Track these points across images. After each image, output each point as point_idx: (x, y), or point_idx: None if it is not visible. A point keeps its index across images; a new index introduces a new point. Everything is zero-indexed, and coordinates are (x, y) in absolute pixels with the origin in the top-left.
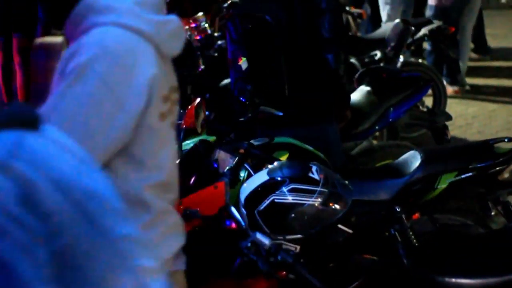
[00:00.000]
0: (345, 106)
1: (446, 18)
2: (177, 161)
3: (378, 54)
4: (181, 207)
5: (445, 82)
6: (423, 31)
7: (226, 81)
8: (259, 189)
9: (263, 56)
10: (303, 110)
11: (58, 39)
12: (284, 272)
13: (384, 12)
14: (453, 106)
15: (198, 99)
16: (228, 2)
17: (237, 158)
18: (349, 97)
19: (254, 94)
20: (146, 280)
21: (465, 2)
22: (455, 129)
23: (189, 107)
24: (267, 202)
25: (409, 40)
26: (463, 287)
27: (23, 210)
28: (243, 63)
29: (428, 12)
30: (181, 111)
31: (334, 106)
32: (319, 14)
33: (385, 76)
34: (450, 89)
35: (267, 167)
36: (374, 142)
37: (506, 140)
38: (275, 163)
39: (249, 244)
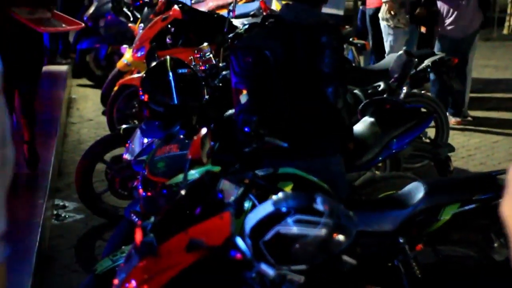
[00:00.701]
0: (346, 139)
1: (456, 49)
2: None
3: (382, 85)
4: (187, 237)
5: (448, 113)
6: (426, 62)
7: (231, 111)
8: (264, 219)
9: (264, 89)
10: (306, 142)
11: (63, 68)
12: None
13: (387, 44)
14: (456, 137)
15: (204, 130)
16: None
17: (242, 188)
18: (351, 130)
19: (259, 125)
20: None
21: (476, 33)
22: (457, 160)
23: (195, 137)
24: (272, 232)
25: (413, 71)
26: None
27: None
28: (243, 96)
29: (437, 43)
30: (186, 141)
31: (336, 138)
32: (319, 49)
33: (388, 108)
34: (452, 120)
35: (272, 198)
36: (377, 173)
37: None
38: (280, 194)
39: (254, 275)
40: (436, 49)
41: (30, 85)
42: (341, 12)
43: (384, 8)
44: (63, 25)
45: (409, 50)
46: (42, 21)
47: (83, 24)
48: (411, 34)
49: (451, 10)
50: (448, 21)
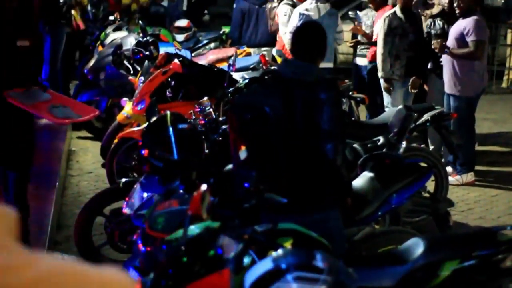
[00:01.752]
0: (344, 195)
1: (468, 107)
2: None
3: (381, 139)
4: None
5: (447, 168)
6: (426, 116)
7: (230, 166)
8: (263, 276)
9: (262, 146)
10: (305, 197)
11: (65, 120)
12: None
13: (386, 98)
14: (455, 191)
15: (204, 186)
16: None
17: (241, 244)
18: (350, 185)
19: (258, 181)
20: None
21: (483, 91)
22: (457, 214)
23: (195, 193)
24: None
25: (412, 125)
26: None
27: None
28: (242, 152)
29: (453, 103)
30: (186, 196)
31: (335, 194)
32: (318, 105)
33: (388, 163)
34: (452, 175)
35: (271, 254)
36: (377, 227)
37: (508, 228)
38: (280, 250)
39: None
40: (446, 107)
41: (20, 173)
42: (330, 65)
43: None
44: (79, 115)
45: (407, 104)
46: (47, 108)
47: (98, 112)
48: (407, 87)
49: (462, 70)
50: (459, 81)
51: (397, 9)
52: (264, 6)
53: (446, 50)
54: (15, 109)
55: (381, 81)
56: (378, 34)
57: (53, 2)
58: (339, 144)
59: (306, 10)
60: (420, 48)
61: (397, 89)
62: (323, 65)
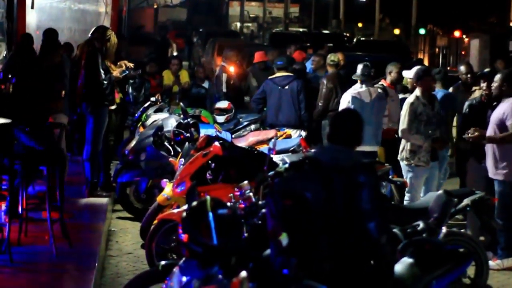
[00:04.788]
0: (387, 276)
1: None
2: None
3: (421, 224)
4: None
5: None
6: (466, 201)
7: (269, 251)
8: None
9: (303, 232)
10: (346, 284)
11: (104, 200)
12: None
13: (408, 181)
14: (495, 276)
15: (243, 273)
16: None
17: None
18: (392, 267)
19: (298, 268)
20: None
21: None
22: None
23: (234, 279)
24: None
25: (452, 210)
26: None
27: None
28: (283, 238)
29: (496, 187)
30: (225, 281)
31: (376, 276)
32: (358, 188)
33: (428, 248)
34: (493, 259)
35: None
36: None
37: None
38: None
39: None
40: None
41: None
42: (375, 148)
43: (402, 147)
44: None
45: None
46: None
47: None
48: (432, 171)
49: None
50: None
51: (418, 93)
52: (287, 87)
53: (483, 141)
54: None
55: (404, 166)
56: (401, 121)
57: (97, 83)
58: (383, 222)
59: (358, 94)
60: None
61: (419, 173)
62: (369, 148)
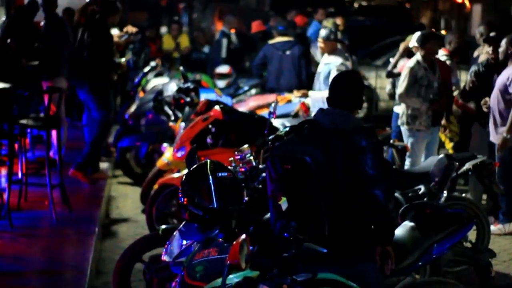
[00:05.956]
0: (388, 241)
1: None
2: None
3: (422, 188)
4: None
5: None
6: (467, 165)
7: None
8: None
9: (302, 196)
10: (345, 248)
11: (104, 165)
12: None
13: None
14: (497, 240)
15: (243, 236)
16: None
17: None
18: (393, 233)
19: (298, 231)
20: None
21: None
22: (498, 264)
23: (234, 242)
24: None
25: (453, 174)
26: None
27: None
28: (283, 202)
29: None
30: (226, 245)
31: (377, 243)
32: (360, 152)
33: (429, 212)
34: (494, 224)
35: None
36: (417, 277)
37: None
38: None
39: None
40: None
41: None
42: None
43: (402, 111)
44: None
45: (447, 153)
46: None
47: None
48: (433, 136)
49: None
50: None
51: (419, 57)
52: (288, 52)
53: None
54: None
55: (404, 131)
56: (399, 84)
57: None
58: (390, 188)
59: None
60: (447, 95)
61: (419, 138)
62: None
